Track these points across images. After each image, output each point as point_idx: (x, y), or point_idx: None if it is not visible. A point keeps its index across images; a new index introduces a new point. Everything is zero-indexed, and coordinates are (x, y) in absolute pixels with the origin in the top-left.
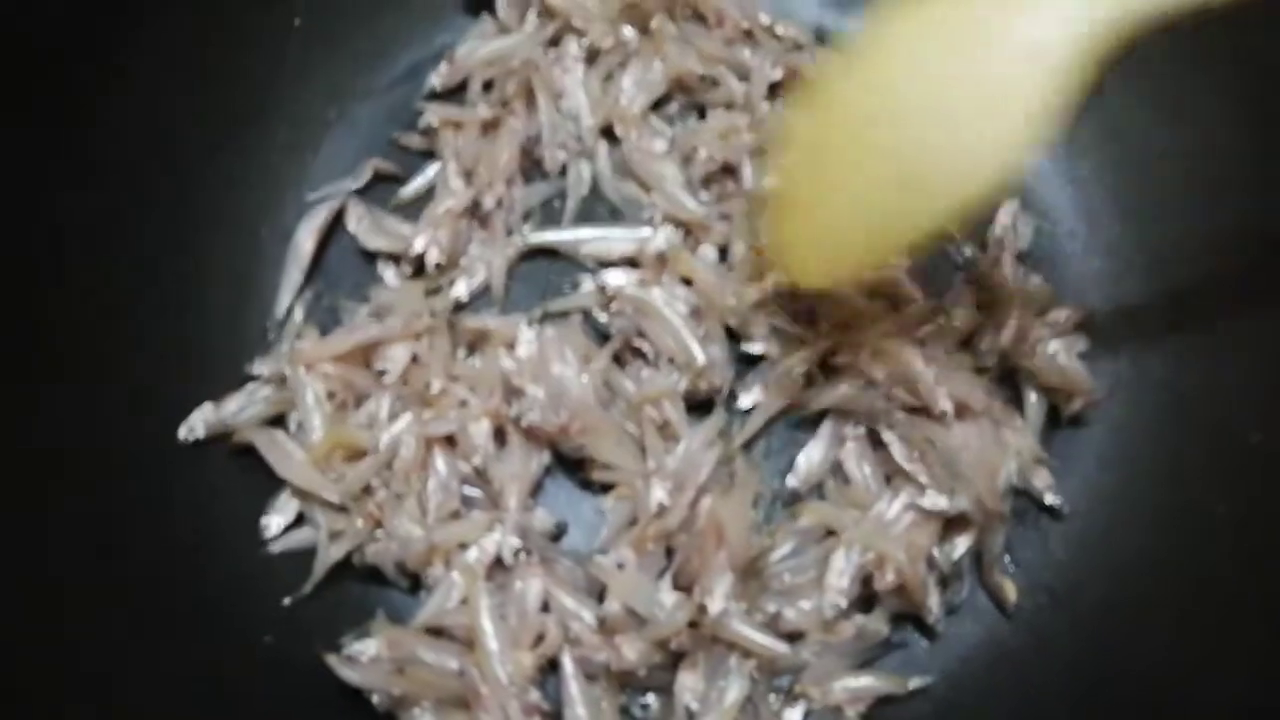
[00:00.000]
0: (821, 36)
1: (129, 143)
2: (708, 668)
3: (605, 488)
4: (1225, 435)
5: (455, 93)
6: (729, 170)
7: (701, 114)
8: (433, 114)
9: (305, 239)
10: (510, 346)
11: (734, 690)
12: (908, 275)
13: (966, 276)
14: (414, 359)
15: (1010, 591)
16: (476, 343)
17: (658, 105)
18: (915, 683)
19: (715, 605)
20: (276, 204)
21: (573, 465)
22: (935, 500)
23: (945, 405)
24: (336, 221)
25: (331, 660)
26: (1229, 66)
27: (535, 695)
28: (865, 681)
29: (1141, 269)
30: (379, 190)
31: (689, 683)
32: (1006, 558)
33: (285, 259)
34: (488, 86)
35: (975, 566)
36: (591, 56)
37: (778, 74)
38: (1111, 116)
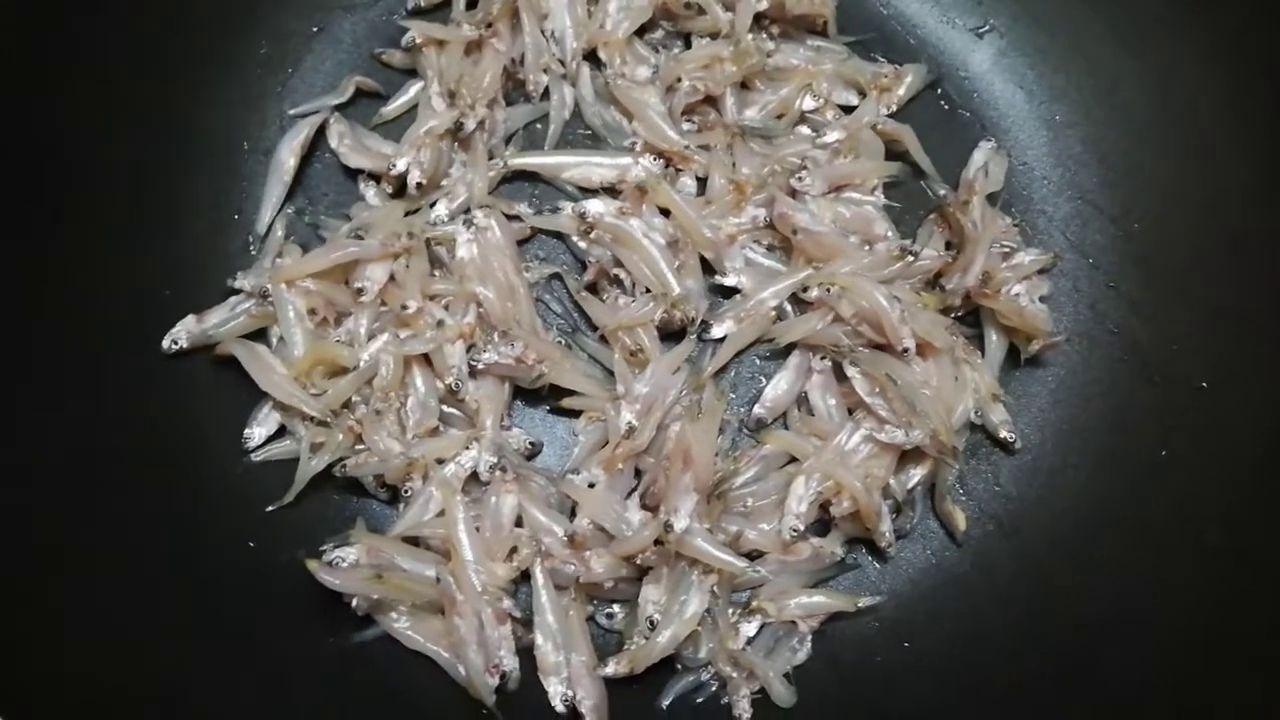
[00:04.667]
0: None
1: (108, 56)
2: (670, 582)
3: (577, 413)
4: (1174, 382)
5: (439, 9)
6: (710, 101)
7: (686, 42)
8: (416, 31)
9: (287, 155)
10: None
11: (694, 603)
12: (881, 213)
13: (937, 217)
14: (392, 278)
15: (960, 520)
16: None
17: (642, 31)
18: (865, 601)
19: (680, 524)
20: (258, 119)
21: (543, 395)
22: (893, 434)
23: (909, 343)
24: (318, 137)
25: (313, 565)
26: (1219, 31)
27: (508, 603)
28: (818, 599)
29: (1109, 217)
30: (360, 106)
31: (652, 595)
32: (958, 488)
33: (267, 174)
34: (472, 4)
35: (928, 495)
36: None
37: (763, 4)
38: (1093, 63)
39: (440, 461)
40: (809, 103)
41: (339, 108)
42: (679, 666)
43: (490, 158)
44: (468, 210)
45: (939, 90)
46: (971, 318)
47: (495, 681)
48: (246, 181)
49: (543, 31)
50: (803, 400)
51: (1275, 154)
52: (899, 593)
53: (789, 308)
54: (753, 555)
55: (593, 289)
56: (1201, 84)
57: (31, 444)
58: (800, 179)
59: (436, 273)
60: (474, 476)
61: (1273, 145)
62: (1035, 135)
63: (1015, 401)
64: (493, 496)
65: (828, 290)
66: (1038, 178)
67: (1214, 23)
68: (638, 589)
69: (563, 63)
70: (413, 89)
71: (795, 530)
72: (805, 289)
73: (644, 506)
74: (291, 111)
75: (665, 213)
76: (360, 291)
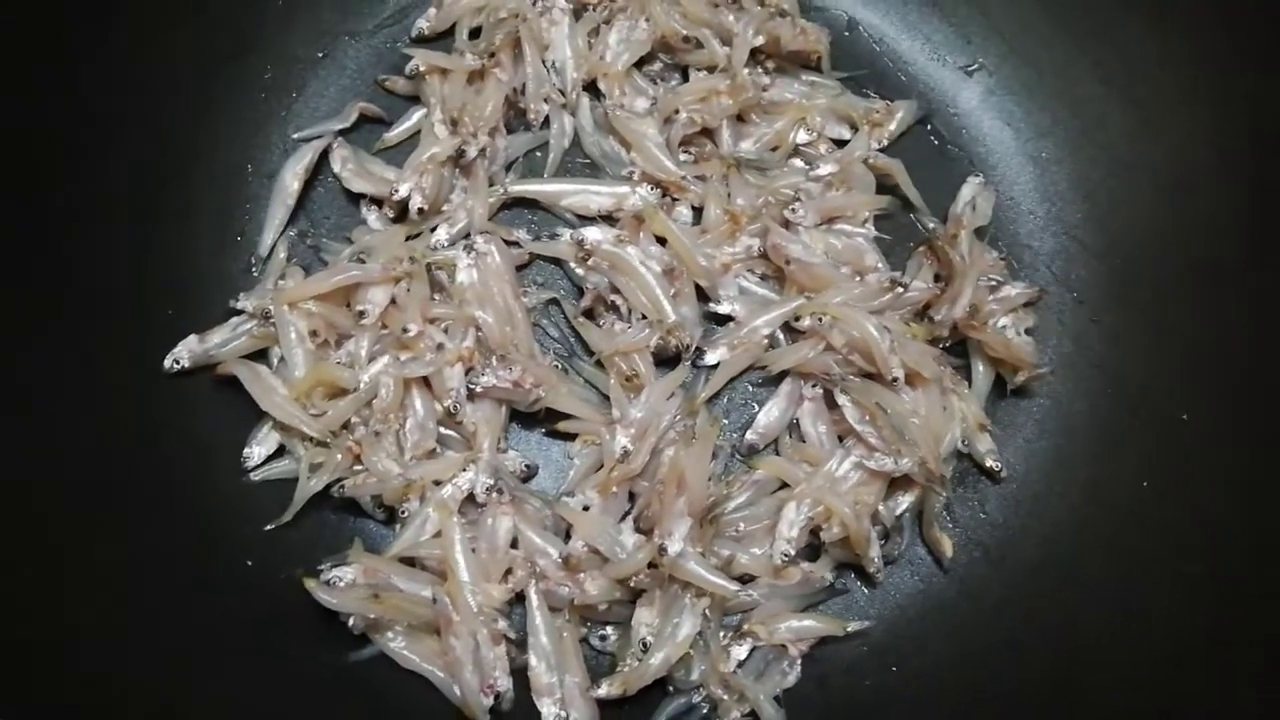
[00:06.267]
0: (805, 4)
1: (115, 77)
2: (663, 605)
3: (573, 436)
4: (1156, 414)
5: (443, 37)
6: (707, 132)
7: (684, 75)
8: (420, 59)
9: (291, 178)
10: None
11: (686, 626)
12: (872, 245)
13: (926, 250)
14: (393, 301)
15: (947, 547)
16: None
17: (641, 64)
18: (854, 626)
19: (674, 548)
20: (262, 142)
21: (540, 419)
22: (883, 462)
23: (898, 373)
24: (321, 161)
25: (311, 585)
26: (1202, 71)
27: (503, 624)
28: (808, 623)
29: (1094, 252)
30: (364, 132)
31: (645, 618)
32: (946, 515)
33: (270, 197)
34: (475, 34)
35: (916, 522)
36: (578, 11)
37: (759, 40)
38: (1079, 102)
39: (438, 483)
40: (803, 136)
41: (342, 133)
42: (671, 689)
43: (490, 184)
44: (468, 235)
45: (929, 126)
46: (959, 349)
47: (490, 702)
48: (250, 204)
49: (544, 62)
50: (794, 427)
51: (1254, 191)
52: (887, 617)
53: (781, 336)
54: (744, 579)
55: (589, 315)
56: (1184, 124)
57: (32, 460)
58: (793, 210)
59: (436, 297)
60: (470, 498)
61: (1251, 183)
62: (1022, 171)
63: (1001, 431)
64: (489, 518)
65: (819, 320)
66: (1024, 213)
67: (1197, 64)
68: (631, 611)
69: (563, 93)
70: (415, 115)
71: (786, 555)
72: (797, 318)
73: (638, 530)
74: (295, 136)
75: (662, 241)
76: (362, 314)
